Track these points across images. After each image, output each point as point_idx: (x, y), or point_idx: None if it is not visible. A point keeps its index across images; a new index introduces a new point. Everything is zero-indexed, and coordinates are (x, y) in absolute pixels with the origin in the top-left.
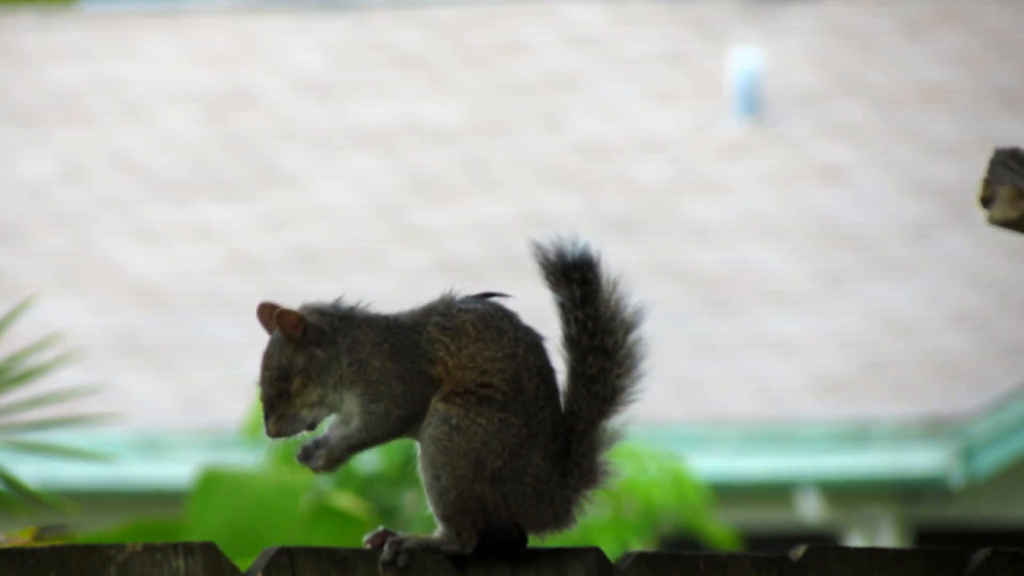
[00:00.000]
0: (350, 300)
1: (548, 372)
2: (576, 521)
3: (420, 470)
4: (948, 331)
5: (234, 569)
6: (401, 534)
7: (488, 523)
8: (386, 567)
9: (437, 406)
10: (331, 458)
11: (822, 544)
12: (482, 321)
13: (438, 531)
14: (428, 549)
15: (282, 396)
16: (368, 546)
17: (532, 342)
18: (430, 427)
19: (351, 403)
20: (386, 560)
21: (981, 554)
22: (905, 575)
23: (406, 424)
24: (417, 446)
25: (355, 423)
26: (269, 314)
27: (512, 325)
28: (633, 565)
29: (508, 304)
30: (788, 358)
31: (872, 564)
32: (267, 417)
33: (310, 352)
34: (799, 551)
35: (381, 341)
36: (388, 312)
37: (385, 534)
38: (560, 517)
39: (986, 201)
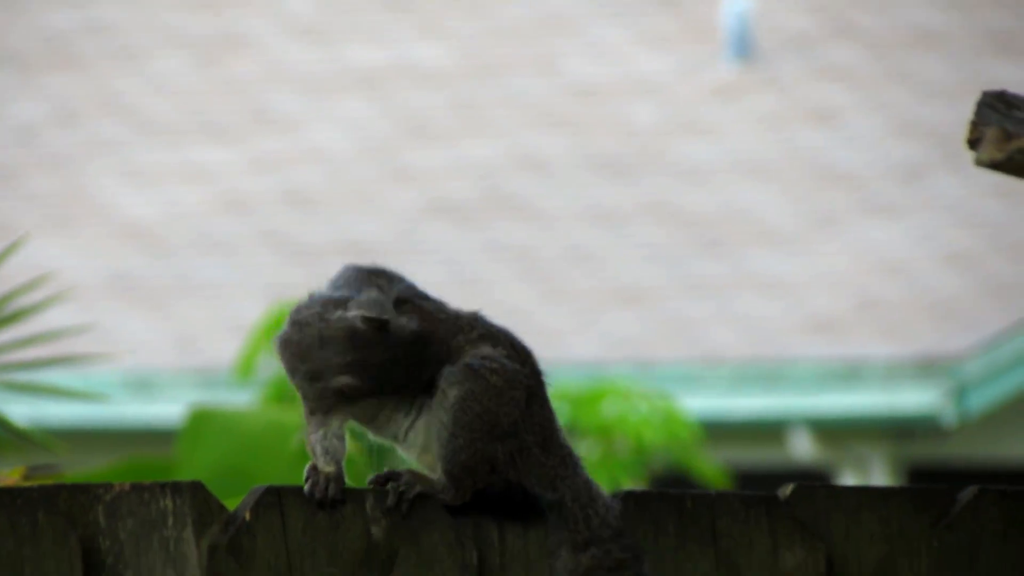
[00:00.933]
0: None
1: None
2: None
3: (432, 426)
4: (940, 271)
5: (222, 508)
6: (405, 476)
7: (490, 483)
8: (389, 512)
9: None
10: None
11: (810, 483)
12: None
13: (438, 479)
14: (427, 495)
15: None
16: (383, 482)
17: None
18: (452, 386)
19: None
20: (390, 506)
21: (969, 492)
22: (893, 513)
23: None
24: (426, 402)
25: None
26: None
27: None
28: (621, 503)
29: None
30: (780, 298)
31: (860, 503)
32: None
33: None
34: (787, 490)
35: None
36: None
37: (389, 476)
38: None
39: (973, 143)
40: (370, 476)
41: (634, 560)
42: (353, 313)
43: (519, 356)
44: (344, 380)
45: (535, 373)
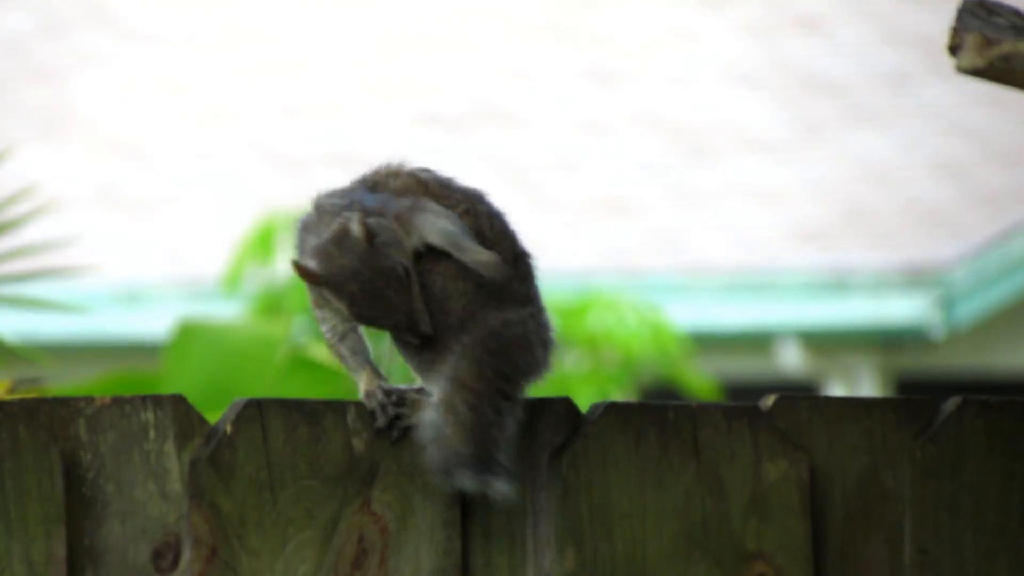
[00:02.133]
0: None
1: (498, 216)
2: (551, 364)
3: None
4: (927, 180)
5: (203, 421)
6: (406, 399)
7: None
8: (378, 432)
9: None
10: None
11: (792, 394)
12: (436, 180)
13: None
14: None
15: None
16: (366, 401)
17: (478, 195)
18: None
19: None
20: (379, 428)
21: (951, 403)
22: (875, 424)
23: None
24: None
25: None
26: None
27: (456, 185)
28: (603, 415)
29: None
30: (767, 207)
31: (843, 413)
32: (420, 322)
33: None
34: (769, 400)
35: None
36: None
37: (396, 392)
38: (540, 360)
39: (954, 49)
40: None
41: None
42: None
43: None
44: (307, 261)
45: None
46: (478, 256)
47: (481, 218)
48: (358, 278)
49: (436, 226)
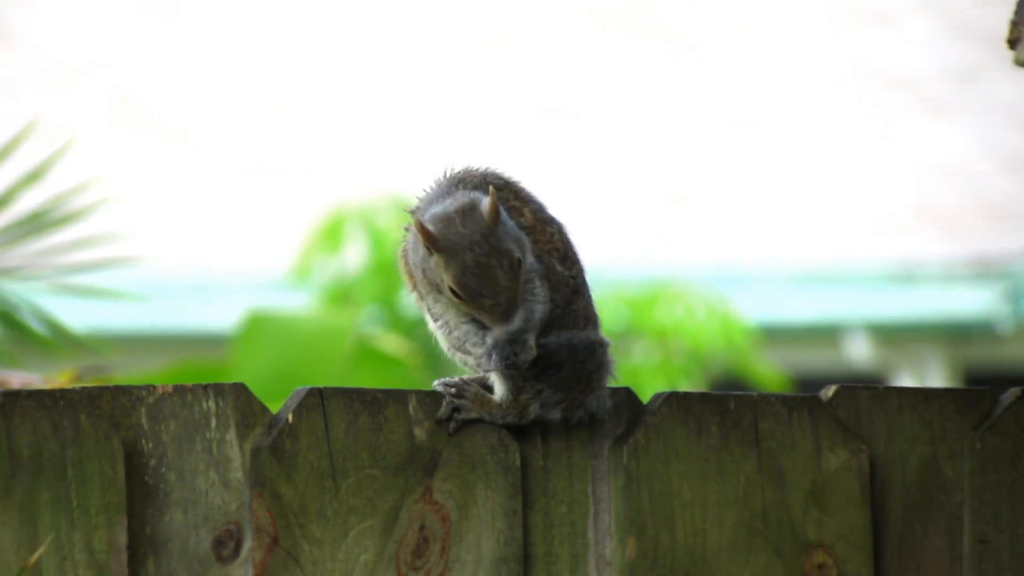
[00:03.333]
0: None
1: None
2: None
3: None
4: (995, 173)
5: (264, 410)
6: (467, 393)
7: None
8: (439, 423)
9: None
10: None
11: (852, 384)
12: (523, 189)
13: (497, 395)
14: (484, 419)
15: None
16: (440, 388)
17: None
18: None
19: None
20: (440, 418)
21: (1011, 394)
22: (935, 415)
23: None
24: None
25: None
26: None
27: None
28: (663, 404)
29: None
30: (837, 199)
31: (902, 404)
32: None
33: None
34: (829, 391)
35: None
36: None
37: (457, 386)
38: (603, 364)
39: (1013, 42)
40: (438, 381)
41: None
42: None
43: (569, 259)
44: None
45: (579, 280)
46: (526, 349)
47: (567, 242)
48: (475, 249)
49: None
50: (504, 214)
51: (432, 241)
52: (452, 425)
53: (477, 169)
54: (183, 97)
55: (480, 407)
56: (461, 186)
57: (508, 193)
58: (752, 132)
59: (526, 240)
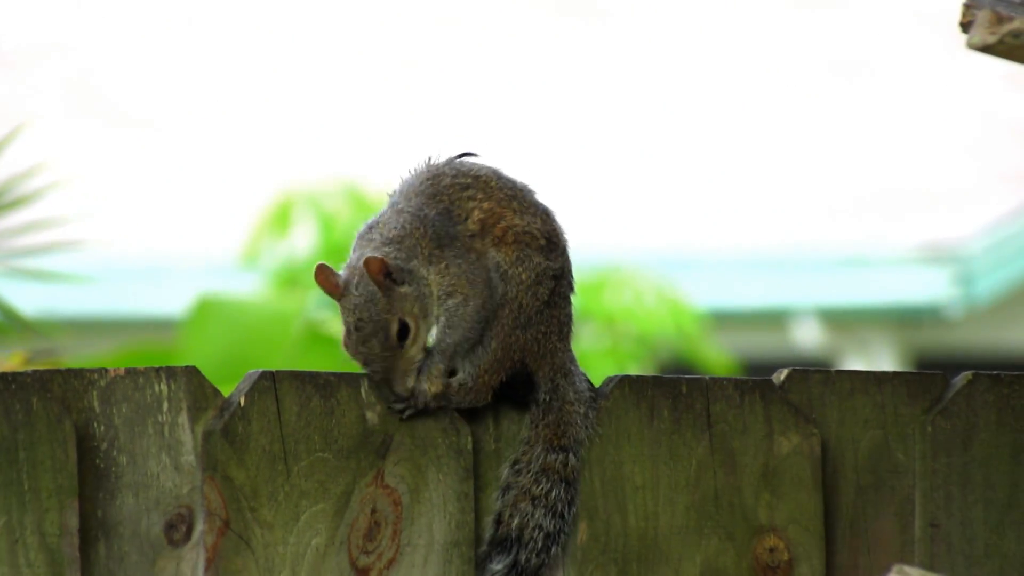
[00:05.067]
0: (369, 219)
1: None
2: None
3: (455, 321)
4: (948, 158)
5: (216, 393)
6: (421, 396)
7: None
8: (391, 412)
9: (488, 252)
10: (433, 388)
11: (804, 368)
12: (496, 175)
13: (456, 380)
14: (442, 407)
15: (394, 352)
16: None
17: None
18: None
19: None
20: (395, 409)
21: (963, 377)
22: (887, 398)
23: (481, 302)
24: (448, 300)
25: (437, 333)
26: (327, 275)
27: (531, 197)
28: (615, 388)
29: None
30: (789, 183)
31: (854, 387)
32: (394, 382)
33: (399, 293)
34: (781, 374)
35: (430, 235)
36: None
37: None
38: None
39: (965, 26)
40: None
41: (576, 476)
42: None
43: (552, 248)
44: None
45: (564, 266)
46: (426, 383)
47: (552, 229)
48: (355, 314)
49: (441, 335)
50: (402, 274)
51: (333, 289)
52: (408, 413)
53: (451, 161)
54: (136, 83)
55: (437, 400)
56: (430, 183)
57: (473, 191)
58: (702, 116)
59: (429, 291)
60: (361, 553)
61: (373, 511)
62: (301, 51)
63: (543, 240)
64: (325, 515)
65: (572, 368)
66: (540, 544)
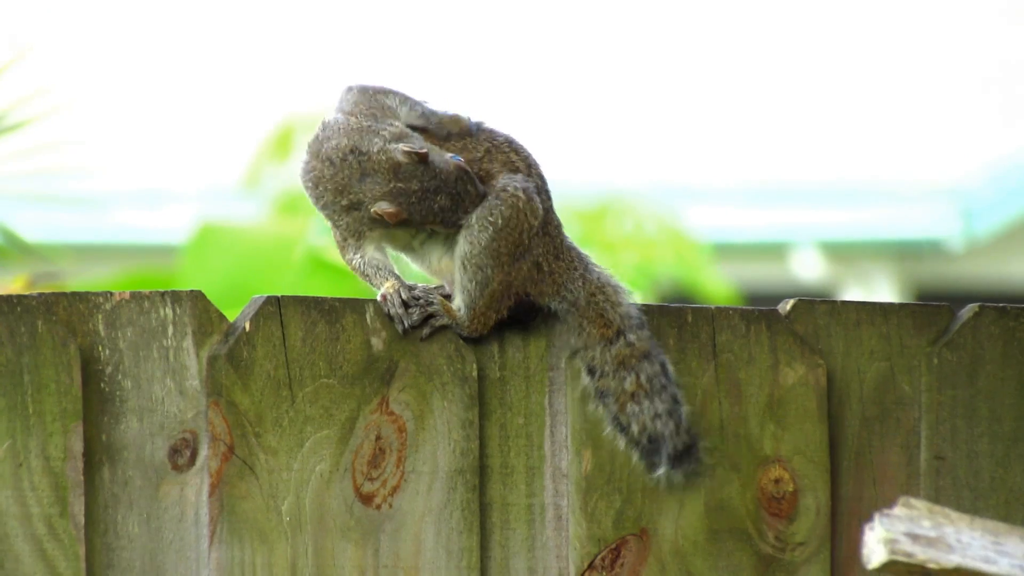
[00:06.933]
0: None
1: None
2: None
3: (459, 256)
4: (947, 94)
5: (221, 318)
6: (437, 304)
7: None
8: (409, 331)
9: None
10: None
11: (810, 298)
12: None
13: (459, 310)
14: (451, 327)
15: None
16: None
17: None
18: (482, 220)
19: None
20: (412, 325)
21: (968, 310)
22: (893, 329)
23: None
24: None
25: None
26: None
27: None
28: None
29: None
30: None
31: (860, 318)
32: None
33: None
34: (787, 305)
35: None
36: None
37: (424, 295)
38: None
39: None
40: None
41: (657, 347)
42: (395, 146)
43: (537, 180)
44: (384, 207)
45: (548, 194)
46: (444, 118)
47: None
48: (440, 191)
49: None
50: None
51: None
52: (427, 331)
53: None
54: (140, 8)
55: (448, 314)
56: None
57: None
58: (706, 49)
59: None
60: (365, 480)
61: (378, 438)
62: None
63: (536, 180)
64: (330, 441)
65: (581, 274)
66: (672, 426)
